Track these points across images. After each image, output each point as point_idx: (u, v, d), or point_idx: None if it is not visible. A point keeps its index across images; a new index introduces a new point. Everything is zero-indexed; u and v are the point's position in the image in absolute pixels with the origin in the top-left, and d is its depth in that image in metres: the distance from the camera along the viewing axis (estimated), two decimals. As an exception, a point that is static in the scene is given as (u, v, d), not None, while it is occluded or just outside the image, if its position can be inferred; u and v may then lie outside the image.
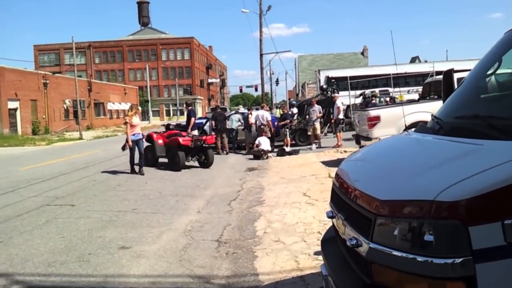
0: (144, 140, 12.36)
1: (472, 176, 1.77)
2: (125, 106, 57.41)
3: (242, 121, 17.32)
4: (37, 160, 16.74)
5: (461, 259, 1.68)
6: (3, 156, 19.44)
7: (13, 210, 7.80)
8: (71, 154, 18.66)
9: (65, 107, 42.15)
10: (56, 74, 43.10)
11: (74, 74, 35.60)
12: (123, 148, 12.04)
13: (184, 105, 15.81)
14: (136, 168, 11.65)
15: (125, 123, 11.94)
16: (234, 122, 17.10)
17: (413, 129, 3.17)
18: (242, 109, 25.03)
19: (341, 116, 16.69)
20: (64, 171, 12.81)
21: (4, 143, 26.34)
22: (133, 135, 11.56)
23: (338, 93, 23.41)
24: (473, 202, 1.69)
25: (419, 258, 1.77)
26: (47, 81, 38.16)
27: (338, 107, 17.01)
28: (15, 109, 33.55)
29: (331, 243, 2.77)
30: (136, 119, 11.85)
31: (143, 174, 11.46)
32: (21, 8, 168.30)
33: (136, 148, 11.59)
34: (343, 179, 2.67)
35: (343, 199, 2.53)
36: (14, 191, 9.75)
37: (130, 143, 11.51)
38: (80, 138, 30.67)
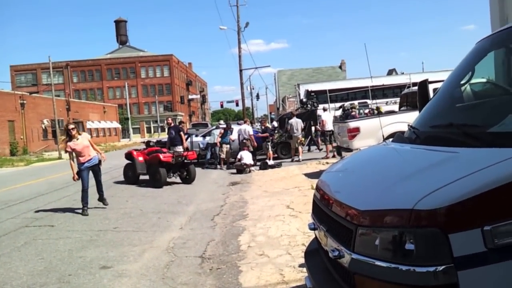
0: (98, 164, 9.36)
1: (449, 184, 1.79)
2: (105, 124, 56.98)
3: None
4: (15, 181, 16.37)
5: (443, 267, 1.69)
6: (-21, 178, 18.96)
7: (-10, 233, 7.59)
8: (50, 174, 18.32)
9: (43, 127, 41.47)
10: (34, 94, 42.43)
11: (51, 93, 35.13)
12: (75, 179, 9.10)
13: (166, 122, 15.56)
14: (89, 204, 9.04)
15: (67, 152, 9.15)
16: (216, 136, 17.01)
17: (391, 139, 3.21)
18: (222, 124, 25.00)
19: (329, 127, 16.82)
20: (43, 192, 12.55)
21: (-19, 165, 25.74)
22: (87, 162, 9.01)
23: (317, 106, 23.75)
24: (451, 210, 1.71)
25: (401, 267, 1.78)
26: (25, 101, 37.55)
27: (323, 120, 17.23)
28: (-8, 130, 32.89)
29: (314, 255, 2.77)
30: (80, 141, 8.95)
31: (107, 204, 9.45)
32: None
33: (92, 177, 9.21)
34: (323, 191, 2.68)
35: (324, 211, 2.53)
36: (-9, 213, 9.49)
37: (76, 176, 8.99)
38: (60, 158, 30.12)
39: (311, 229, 2.81)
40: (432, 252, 1.73)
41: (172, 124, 15.01)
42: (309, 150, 20.75)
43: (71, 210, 9.39)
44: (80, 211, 8.97)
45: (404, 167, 2.38)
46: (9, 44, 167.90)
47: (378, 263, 1.87)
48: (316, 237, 2.80)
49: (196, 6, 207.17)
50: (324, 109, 18.89)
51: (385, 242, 1.87)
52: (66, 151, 9.16)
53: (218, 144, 16.61)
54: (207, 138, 17.56)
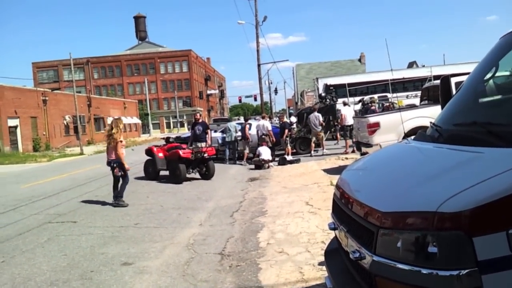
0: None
1: (474, 186, 1.75)
2: (126, 120, 57.61)
3: (239, 131, 17.20)
4: (38, 177, 16.72)
5: (466, 271, 1.66)
6: (4, 174, 19.42)
7: (15, 228, 7.77)
8: (72, 170, 18.64)
9: (65, 123, 42.18)
10: (55, 91, 43.26)
11: (73, 90, 35.72)
12: (119, 172, 9.44)
13: (194, 118, 15.45)
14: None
15: (118, 143, 9.27)
16: (233, 132, 16.91)
17: (412, 137, 3.15)
18: (242, 120, 24.99)
19: (349, 122, 16.63)
20: (65, 188, 12.79)
21: (5, 160, 26.33)
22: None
23: (336, 100, 23.56)
24: (476, 213, 1.67)
25: (424, 271, 1.75)
26: (47, 98, 38.25)
27: (342, 114, 17.10)
28: (15, 127, 33.58)
29: (334, 254, 2.75)
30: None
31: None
32: (18, 26, 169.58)
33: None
34: (344, 190, 2.66)
35: (345, 211, 2.51)
36: (15, 209, 9.72)
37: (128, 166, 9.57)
38: (81, 154, 30.64)
39: (331, 229, 2.79)
40: (456, 256, 1.70)
41: (200, 120, 15.05)
42: (336, 140, 20.76)
43: (93, 206, 9.55)
44: (101, 206, 9.14)
45: (427, 167, 2.33)
46: (31, 41, 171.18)
47: (400, 265, 1.85)
48: (336, 237, 2.77)
49: (214, 1, 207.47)
50: (345, 104, 18.69)
51: (407, 244, 1.84)
52: (118, 143, 9.25)
53: (249, 137, 16.67)
54: (223, 134, 17.59)
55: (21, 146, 33.71)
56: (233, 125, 17.11)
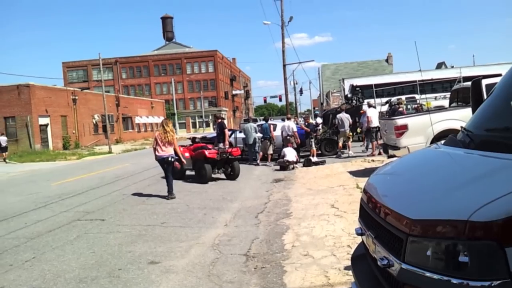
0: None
1: (507, 194, 1.71)
2: (153, 119, 58.54)
3: (258, 131, 17.07)
4: (68, 175, 17.16)
5: (498, 282, 1.63)
6: (36, 171, 20.01)
7: (45, 225, 8.00)
8: (101, 168, 19.03)
9: (94, 122, 43.12)
10: (85, 90, 44.26)
11: (102, 89, 36.49)
12: (179, 166, 10.68)
13: (214, 118, 15.69)
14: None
15: (175, 140, 10.36)
16: (252, 133, 16.76)
17: (442, 142, 3.09)
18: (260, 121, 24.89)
19: (375, 124, 16.35)
20: (94, 186, 13.07)
21: (36, 158, 27.14)
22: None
23: (363, 102, 23.30)
24: (509, 222, 1.64)
25: (454, 280, 1.72)
26: (76, 97, 39.20)
27: (368, 116, 16.89)
28: (46, 125, 34.53)
29: (361, 260, 2.73)
30: None
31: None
32: (49, 27, 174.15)
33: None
34: (372, 195, 2.63)
35: (372, 216, 2.49)
36: (46, 206, 9.99)
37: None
38: (110, 152, 31.28)
39: (358, 234, 2.76)
40: (488, 266, 1.67)
41: (219, 121, 15.16)
42: (362, 141, 20.46)
43: (121, 204, 9.74)
44: (129, 204, 9.33)
45: (458, 174, 2.28)
46: (61, 41, 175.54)
47: (429, 274, 1.82)
48: (363, 242, 2.75)
49: (240, 2, 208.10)
50: (370, 105, 18.46)
51: (437, 253, 1.82)
52: (176, 142, 10.44)
53: (274, 138, 16.69)
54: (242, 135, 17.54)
55: (51, 144, 34.64)
56: (252, 126, 17.00)
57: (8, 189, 14.00)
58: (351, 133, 17.73)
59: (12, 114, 32.52)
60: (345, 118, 17.02)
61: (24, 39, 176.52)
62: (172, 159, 10.17)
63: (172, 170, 10.31)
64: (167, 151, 10.11)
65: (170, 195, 10.09)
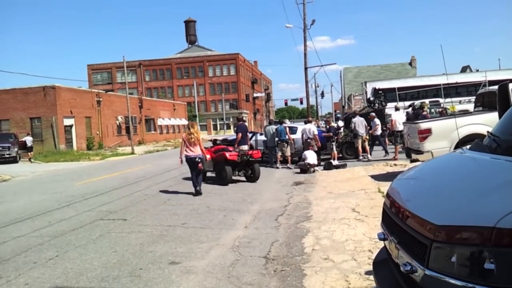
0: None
1: (535, 201, 1.67)
2: (175, 121, 59.12)
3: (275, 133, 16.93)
4: (92, 175, 17.46)
5: (526, 290, 1.59)
6: (60, 171, 20.43)
7: (69, 224, 8.14)
8: (124, 169, 19.31)
9: (118, 123, 43.80)
10: (109, 92, 45.06)
11: (125, 91, 37.06)
12: (202, 167, 11.25)
13: (236, 120, 15.70)
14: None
15: (200, 141, 11.02)
16: (274, 136, 16.72)
17: (468, 146, 3.04)
18: (288, 123, 24.75)
19: (400, 128, 16.20)
20: (116, 186, 13.26)
21: (61, 158, 27.71)
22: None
23: (386, 105, 23.05)
24: (537, 230, 1.60)
25: (479, 287, 1.69)
26: (100, 99, 39.88)
27: (392, 120, 16.78)
28: (71, 126, 35.23)
29: (383, 265, 2.69)
30: None
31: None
32: (75, 31, 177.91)
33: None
34: (395, 200, 2.60)
35: (396, 221, 2.45)
36: (69, 205, 10.18)
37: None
38: (132, 153, 31.72)
39: (380, 239, 2.73)
40: (515, 274, 1.63)
41: (240, 123, 15.16)
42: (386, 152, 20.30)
43: (143, 204, 9.85)
44: (151, 204, 9.46)
45: (484, 180, 2.24)
46: (86, 43, 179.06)
47: (453, 281, 1.79)
48: (385, 247, 2.72)
49: (262, 5, 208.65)
50: (397, 108, 18.26)
51: (462, 259, 1.78)
52: (201, 143, 11.11)
53: (291, 140, 16.68)
54: (263, 137, 17.49)
55: (75, 144, 35.32)
56: (273, 128, 16.97)
57: (33, 188, 14.33)
58: (367, 137, 17.59)
59: (38, 115, 33.29)
60: (359, 122, 16.95)
61: (49, 41, 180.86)
62: (199, 160, 10.78)
63: (198, 170, 10.90)
64: (195, 152, 10.75)
65: (197, 192, 10.71)
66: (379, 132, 17.56)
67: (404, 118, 17.01)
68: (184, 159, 10.85)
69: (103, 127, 40.20)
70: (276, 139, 16.62)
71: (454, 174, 2.59)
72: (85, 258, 5.88)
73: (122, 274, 5.14)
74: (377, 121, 17.71)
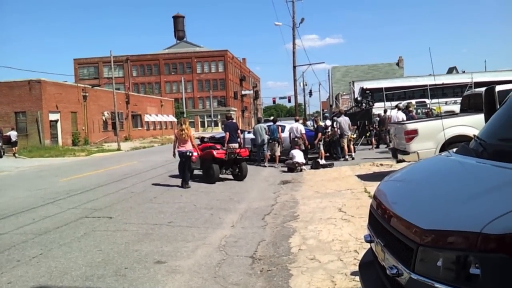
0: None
1: (522, 207, 1.69)
2: (162, 117, 58.76)
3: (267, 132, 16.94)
4: (77, 171, 17.26)
5: (510, 296, 1.60)
6: (45, 167, 20.17)
7: (53, 221, 8.03)
8: (109, 165, 19.13)
9: (104, 119, 43.35)
10: (95, 87, 44.49)
11: (112, 87, 36.67)
12: (195, 160, 12.14)
13: (225, 118, 15.60)
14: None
15: (191, 136, 11.83)
16: (263, 135, 16.71)
17: (454, 150, 3.06)
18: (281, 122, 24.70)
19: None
20: (102, 183, 13.13)
21: (46, 153, 27.33)
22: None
23: (373, 105, 23.20)
24: (523, 236, 1.61)
25: (464, 293, 1.70)
26: (87, 94, 39.40)
27: (389, 116, 16.98)
28: (56, 121, 34.76)
29: (369, 267, 2.70)
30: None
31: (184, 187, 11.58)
32: (61, 25, 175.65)
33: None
34: (382, 202, 2.60)
35: (382, 224, 2.46)
36: (54, 202, 10.05)
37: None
38: (118, 149, 31.44)
39: (367, 241, 2.74)
40: (499, 279, 1.64)
41: (230, 121, 15.05)
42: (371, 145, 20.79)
43: (128, 202, 9.77)
44: (136, 202, 9.38)
45: (471, 184, 2.25)
46: (73, 38, 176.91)
47: (438, 285, 1.81)
48: (372, 249, 2.73)
49: (251, 2, 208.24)
50: (399, 108, 18.36)
51: (448, 264, 1.79)
52: (193, 138, 12.08)
53: (282, 139, 16.70)
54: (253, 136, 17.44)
55: (60, 140, 34.87)
56: (262, 127, 16.94)
57: (17, 184, 14.12)
58: (353, 136, 17.75)
59: (22, 109, 32.77)
60: (344, 121, 17.07)
61: (36, 35, 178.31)
62: (190, 154, 11.55)
63: (189, 164, 11.66)
64: (186, 147, 11.50)
65: (185, 184, 11.49)
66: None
67: (405, 118, 17.03)
68: (177, 153, 11.66)
69: (89, 123, 39.74)
70: (267, 137, 16.61)
71: (440, 177, 2.60)
72: (69, 257, 5.81)
73: (107, 273, 5.09)
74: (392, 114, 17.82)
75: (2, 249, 6.26)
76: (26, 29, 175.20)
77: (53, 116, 34.23)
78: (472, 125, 8.91)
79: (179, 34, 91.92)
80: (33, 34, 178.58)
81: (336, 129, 17.17)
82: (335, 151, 17.65)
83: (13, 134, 27.95)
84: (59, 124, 35.09)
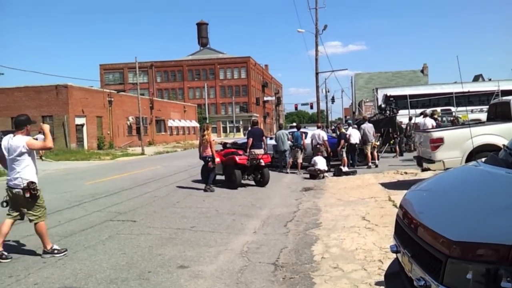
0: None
1: (555, 220, 1.65)
2: (185, 123, 59.38)
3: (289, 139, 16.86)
4: (102, 174, 17.56)
5: (543, 311, 1.56)
6: (70, 170, 20.59)
7: (78, 224, 8.18)
8: (133, 170, 19.39)
9: (129, 124, 44.05)
10: (120, 92, 45.36)
11: (137, 92, 37.27)
12: (212, 165, 12.13)
13: (251, 123, 15.50)
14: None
15: (211, 142, 12.15)
16: (285, 141, 16.62)
17: (483, 159, 3.01)
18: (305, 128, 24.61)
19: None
20: (126, 187, 13.31)
21: (71, 157, 27.90)
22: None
23: (397, 112, 22.94)
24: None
25: (495, 307, 1.67)
26: (112, 99, 40.15)
27: (416, 123, 16.86)
28: (82, 125, 35.50)
29: (395, 278, 2.67)
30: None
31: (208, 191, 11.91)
32: (88, 32, 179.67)
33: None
34: (409, 212, 2.57)
35: (409, 234, 2.43)
36: (79, 205, 10.24)
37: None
38: (142, 154, 31.86)
39: (393, 251, 2.71)
40: (532, 293, 1.60)
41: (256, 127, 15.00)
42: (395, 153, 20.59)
43: (152, 206, 9.87)
44: (160, 206, 9.48)
45: (501, 195, 2.21)
46: (99, 43, 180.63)
47: (468, 298, 1.77)
48: (398, 260, 2.69)
49: (274, 10, 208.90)
50: (425, 115, 18.04)
51: (478, 277, 1.76)
52: (213, 144, 12.42)
53: (305, 146, 16.67)
54: (273, 141, 17.38)
55: (86, 143, 35.58)
56: (285, 133, 16.87)
57: (43, 187, 14.22)
58: (376, 143, 17.58)
59: (49, 113, 33.58)
60: (368, 128, 16.97)
61: (62, 40, 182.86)
62: (209, 159, 11.99)
63: (208, 168, 12.06)
64: (207, 152, 11.98)
65: (209, 188, 11.88)
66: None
67: (434, 124, 16.78)
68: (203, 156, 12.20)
69: (114, 127, 40.46)
70: (290, 143, 16.57)
71: (468, 188, 2.56)
72: (94, 259, 5.90)
73: (131, 277, 5.15)
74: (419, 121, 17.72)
75: (29, 251, 6.41)
76: (53, 34, 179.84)
77: (79, 120, 34.98)
78: (500, 134, 8.73)
79: (203, 41, 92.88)
80: (60, 38, 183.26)
81: (348, 135, 16.88)
82: (359, 158, 17.49)
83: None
84: (85, 128, 35.82)
